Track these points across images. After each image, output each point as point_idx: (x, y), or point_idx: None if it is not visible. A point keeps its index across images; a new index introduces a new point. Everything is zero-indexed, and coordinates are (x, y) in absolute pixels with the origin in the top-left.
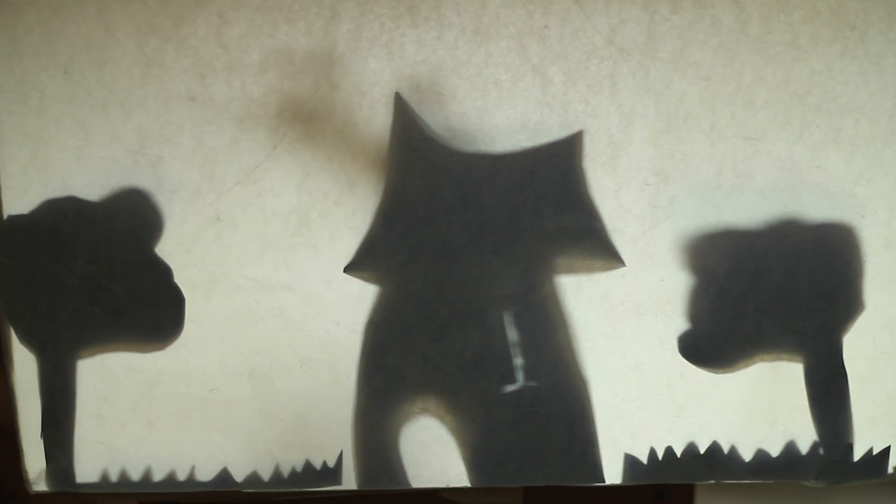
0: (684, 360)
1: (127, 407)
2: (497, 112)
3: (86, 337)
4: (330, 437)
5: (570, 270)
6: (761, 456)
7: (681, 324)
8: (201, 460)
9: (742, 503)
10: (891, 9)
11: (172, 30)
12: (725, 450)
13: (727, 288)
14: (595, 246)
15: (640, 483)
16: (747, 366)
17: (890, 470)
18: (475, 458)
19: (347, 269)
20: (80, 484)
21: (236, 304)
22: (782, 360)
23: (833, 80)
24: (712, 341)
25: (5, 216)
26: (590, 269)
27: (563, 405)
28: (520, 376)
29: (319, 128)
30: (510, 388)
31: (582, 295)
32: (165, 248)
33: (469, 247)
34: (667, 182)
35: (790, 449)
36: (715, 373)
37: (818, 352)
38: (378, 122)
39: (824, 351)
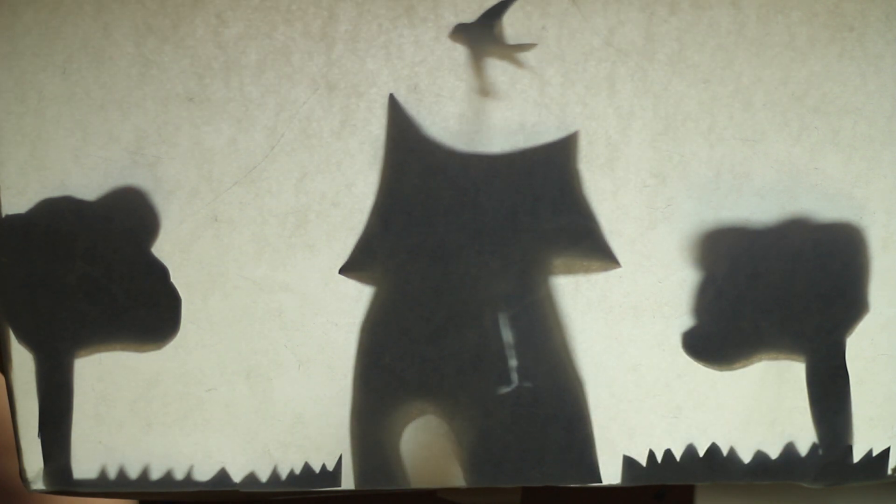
0: (682, 362)
1: (125, 406)
2: (494, 113)
3: (83, 336)
4: (328, 438)
5: (568, 272)
6: (760, 457)
7: (681, 323)
8: (199, 460)
9: (743, 503)
10: (889, 10)
11: (170, 30)
12: (724, 451)
13: (726, 288)
14: (592, 247)
15: (638, 484)
16: (746, 366)
17: (889, 471)
18: (473, 459)
19: (343, 270)
20: (78, 482)
21: (234, 305)
22: (782, 359)
23: (831, 82)
24: (715, 340)
25: (3, 216)
26: (587, 271)
27: (560, 406)
28: (515, 377)
29: (317, 128)
30: (505, 389)
31: (580, 296)
32: (163, 249)
33: (466, 248)
34: (665, 184)
35: (789, 450)
36: (717, 370)
37: (820, 352)
38: (375, 122)
39: (827, 351)
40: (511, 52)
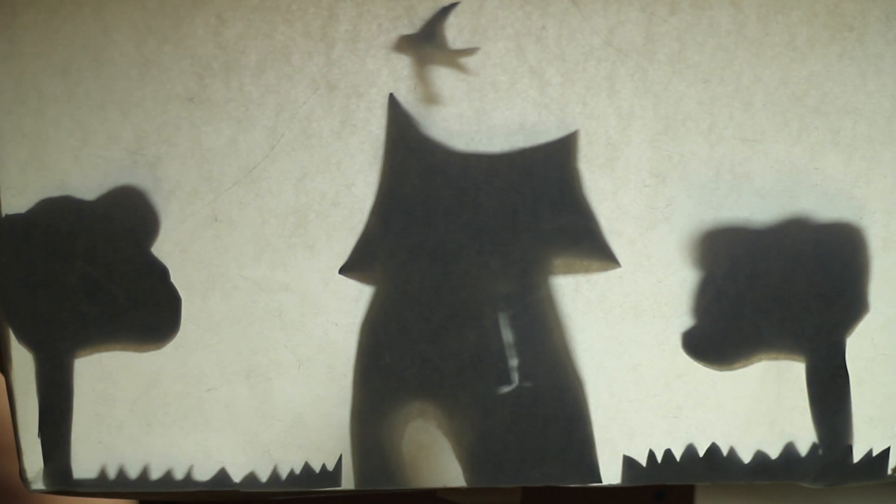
0: (682, 362)
1: (125, 406)
2: (494, 113)
3: (83, 336)
4: (328, 438)
5: (568, 271)
6: (760, 457)
7: (681, 323)
8: (199, 460)
9: (743, 503)
10: (889, 10)
11: (170, 30)
12: (724, 451)
13: (726, 288)
14: (592, 247)
15: (638, 484)
16: (746, 366)
17: (889, 471)
18: (472, 459)
19: (343, 270)
20: (78, 482)
21: (234, 305)
22: (782, 359)
23: (831, 82)
24: (715, 340)
25: (3, 215)
26: (587, 270)
27: (560, 406)
28: (515, 377)
29: (317, 128)
30: (505, 389)
31: (579, 296)
32: (163, 249)
33: (466, 247)
34: (665, 183)
35: (789, 450)
36: (717, 370)
37: (820, 352)
38: (375, 122)
39: (827, 351)
40: (454, 57)
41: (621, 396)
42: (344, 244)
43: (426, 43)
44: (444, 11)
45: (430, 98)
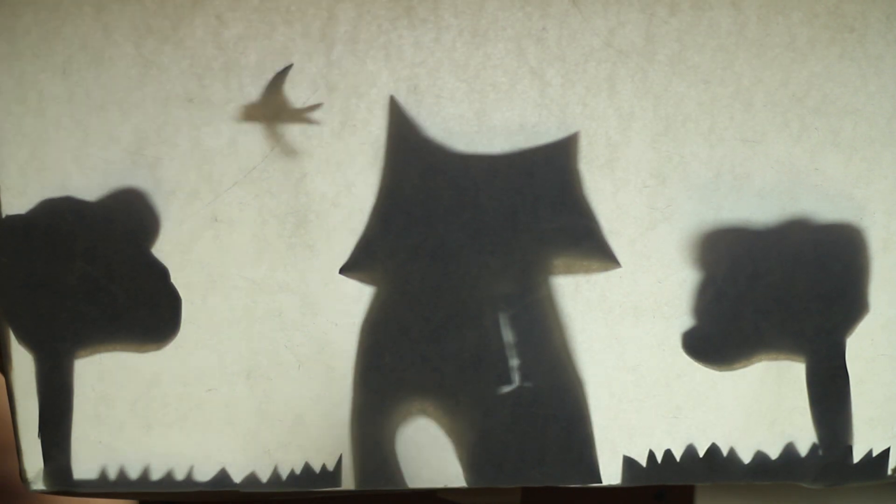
0: (682, 362)
1: (125, 407)
2: (495, 114)
3: (84, 336)
4: (328, 438)
5: (568, 272)
6: (760, 458)
7: (681, 323)
8: (199, 460)
9: (743, 503)
10: (889, 11)
11: (170, 31)
12: (724, 451)
13: (727, 289)
14: (592, 247)
15: (638, 484)
16: (746, 366)
17: (889, 471)
18: (472, 459)
19: (344, 271)
20: (78, 482)
21: (234, 305)
22: (782, 360)
23: (832, 83)
24: (715, 340)
25: (3, 216)
26: (587, 271)
27: (560, 406)
28: (516, 377)
29: (317, 129)
30: (505, 389)
31: (579, 296)
32: (163, 249)
33: (467, 248)
34: (665, 184)
35: (789, 450)
36: (717, 370)
37: (820, 352)
38: (375, 123)
39: (827, 352)
40: (301, 113)
41: (621, 396)
42: (344, 244)
43: (271, 106)
44: (281, 75)
45: (289, 152)
